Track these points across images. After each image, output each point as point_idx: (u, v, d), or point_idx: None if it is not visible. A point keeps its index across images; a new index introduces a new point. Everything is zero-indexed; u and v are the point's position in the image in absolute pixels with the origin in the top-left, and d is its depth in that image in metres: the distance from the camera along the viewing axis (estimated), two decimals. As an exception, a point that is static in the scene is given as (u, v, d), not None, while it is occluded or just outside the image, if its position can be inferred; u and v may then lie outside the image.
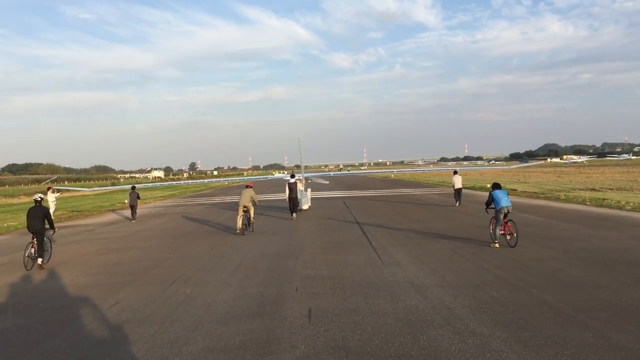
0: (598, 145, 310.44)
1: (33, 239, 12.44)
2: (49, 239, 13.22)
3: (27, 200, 54.57)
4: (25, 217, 12.58)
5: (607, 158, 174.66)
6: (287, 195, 21.77)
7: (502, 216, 12.65)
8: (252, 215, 17.48)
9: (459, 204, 24.09)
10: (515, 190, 33.55)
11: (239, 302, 8.03)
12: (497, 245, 12.39)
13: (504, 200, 12.72)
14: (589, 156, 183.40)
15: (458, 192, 24.60)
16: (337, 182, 61.15)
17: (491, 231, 12.84)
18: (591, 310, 6.88)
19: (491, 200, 13.00)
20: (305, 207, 23.83)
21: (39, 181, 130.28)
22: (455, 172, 25.86)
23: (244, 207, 17.13)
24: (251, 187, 17.93)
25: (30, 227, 12.45)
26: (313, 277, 9.61)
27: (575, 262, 10.03)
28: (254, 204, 17.72)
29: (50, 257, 13.01)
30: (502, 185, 13.57)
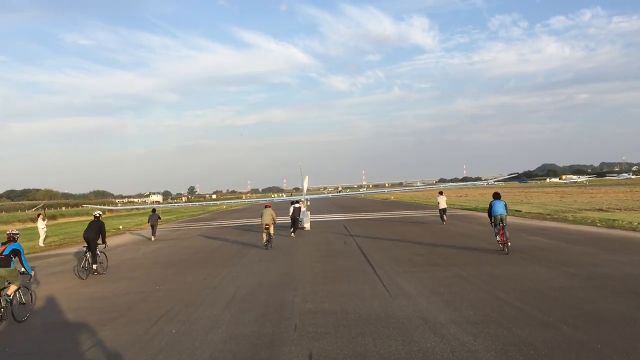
0: (596, 164, 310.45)
1: (86, 252, 14.45)
2: (103, 252, 15.24)
3: (20, 227, 53.49)
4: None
5: (607, 177, 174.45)
6: (290, 216, 24.19)
7: (498, 223, 14.59)
8: (272, 232, 19.15)
9: (445, 222, 26.30)
10: (520, 211, 32.69)
11: (229, 346, 7.07)
12: (500, 247, 14.63)
13: (498, 209, 14.65)
14: (588, 176, 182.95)
15: (443, 211, 26.88)
16: (337, 205, 60.27)
17: (497, 240, 14.94)
18: (636, 352, 5.95)
19: (490, 209, 14.94)
20: (306, 225, 25.53)
21: (35, 207, 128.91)
22: (440, 193, 27.56)
23: (266, 225, 18.96)
24: (270, 207, 19.64)
25: (85, 236, 14.65)
26: (314, 312, 8.66)
27: (603, 292, 9.10)
28: (274, 222, 19.34)
29: (106, 267, 15.15)
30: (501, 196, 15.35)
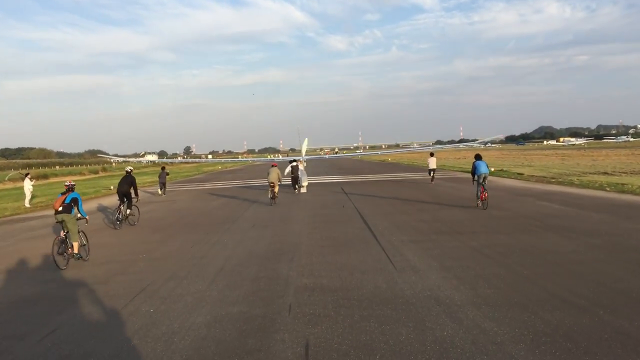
0: (593, 127, 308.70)
1: (120, 204, 15.67)
2: (136, 205, 16.32)
3: (10, 187, 52.16)
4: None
5: (605, 140, 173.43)
6: (290, 175, 25.60)
7: (480, 181, 16.01)
8: (276, 190, 20.29)
9: (432, 182, 28.21)
10: (522, 174, 31.73)
11: (213, 331, 6.09)
12: (478, 204, 16.13)
13: (482, 169, 16.03)
14: (586, 138, 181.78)
15: (432, 171, 28.63)
16: (334, 166, 59.20)
17: (476, 196, 16.44)
18: (695, 348, 5.00)
19: (474, 169, 16.21)
20: (304, 183, 25.93)
21: (29, 166, 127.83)
22: (431, 154, 29.46)
23: (271, 183, 20.14)
24: (276, 166, 20.79)
25: (119, 190, 15.80)
26: (311, 290, 7.69)
27: (633, 267, 8.15)
28: (279, 181, 20.57)
29: (138, 220, 16.21)
30: (482, 156, 16.92)
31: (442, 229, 12.64)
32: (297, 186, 25.05)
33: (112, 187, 36.91)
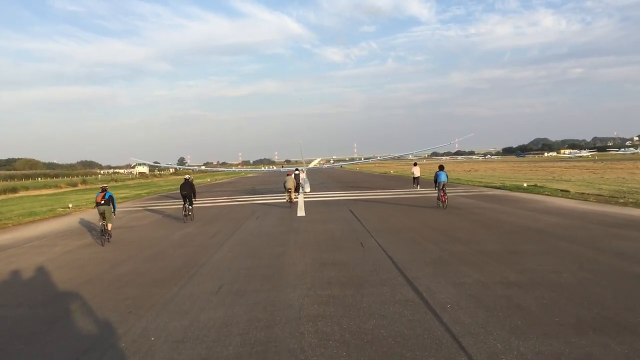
0: (589, 139, 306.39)
1: (185, 203, 19.63)
2: (192, 206, 19.94)
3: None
4: (178, 189, 20.36)
5: (609, 152, 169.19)
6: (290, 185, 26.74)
7: (440, 187, 20.16)
8: (293, 196, 23.96)
9: (416, 187, 32.33)
10: (568, 191, 25.83)
11: None
12: (439, 205, 20.10)
13: (442, 178, 20.27)
14: (589, 150, 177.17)
15: (416, 179, 33.22)
16: (332, 179, 53.28)
17: (437, 198, 20.51)
18: None
19: (436, 177, 20.49)
20: (307, 190, 30.55)
21: (13, 177, 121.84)
22: (415, 164, 34.63)
23: (289, 188, 23.63)
24: (291, 175, 24.50)
25: (182, 192, 19.72)
26: None
27: None
28: (297, 187, 25.01)
29: (193, 217, 19.79)
30: (445, 167, 21.23)
31: (576, 312, 6.66)
32: (295, 196, 25.38)
33: (70, 206, 30.67)
